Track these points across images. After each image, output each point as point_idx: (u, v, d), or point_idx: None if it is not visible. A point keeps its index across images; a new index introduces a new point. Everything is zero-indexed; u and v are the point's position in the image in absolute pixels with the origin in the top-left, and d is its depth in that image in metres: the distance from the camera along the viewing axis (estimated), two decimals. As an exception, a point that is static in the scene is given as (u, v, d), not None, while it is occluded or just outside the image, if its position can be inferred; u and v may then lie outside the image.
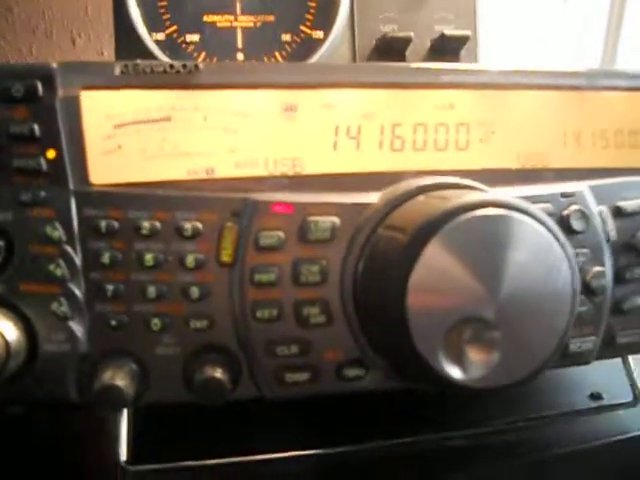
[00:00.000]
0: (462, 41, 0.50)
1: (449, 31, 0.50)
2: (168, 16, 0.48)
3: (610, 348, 0.31)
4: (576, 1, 0.91)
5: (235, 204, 0.27)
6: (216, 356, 0.26)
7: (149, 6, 0.48)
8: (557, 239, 0.23)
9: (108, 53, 0.82)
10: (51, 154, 0.26)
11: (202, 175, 0.28)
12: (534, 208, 0.23)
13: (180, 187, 0.27)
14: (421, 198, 0.25)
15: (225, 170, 0.28)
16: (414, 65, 0.32)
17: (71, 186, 0.26)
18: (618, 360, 0.41)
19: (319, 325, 0.26)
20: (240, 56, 0.50)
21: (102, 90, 0.28)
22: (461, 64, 0.33)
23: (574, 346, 0.30)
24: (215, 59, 0.49)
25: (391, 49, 0.50)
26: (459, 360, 0.22)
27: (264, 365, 0.26)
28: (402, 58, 0.50)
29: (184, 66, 0.28)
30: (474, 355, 0.22)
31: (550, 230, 0.23)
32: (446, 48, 0.50)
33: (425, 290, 0.22)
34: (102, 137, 0.27)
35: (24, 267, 0.26)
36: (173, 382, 0.26)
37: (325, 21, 0.49)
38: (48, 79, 0.27)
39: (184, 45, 0.48)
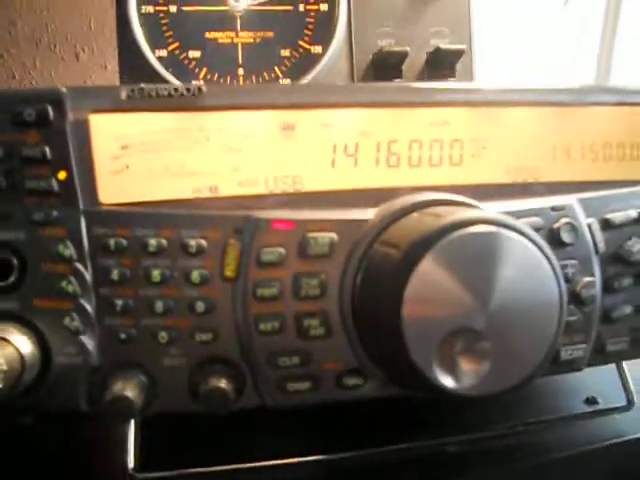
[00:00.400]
0: (457, 55, 0.51)
1: (444, 45, 0.51)
2: (170, 33, 0.50)
3: (600, 355, 0.32)
4: (575, 4, 0.92)
5: (237, 221, 0.28)
6: (221, 367, 0.27)
7: (152, 23, 0.49)
8: (544, 254, 0.24)
9: (111, 66, 0.83)
10: (62, 175, 0.28)
11: (206, 194, 0.29)
12: (522, 225, 0.24)
13: (185, 205, 0.29)
14: (415, 215, 0.27)
15: (228, 189, 0.29)
16: (409, 84, 0.33)
17: (81, 206, 0.28)
18: (613, 365, 0.42)
19: (319, 337, 0.27)
20: (241, 71, 0.51)
21: (110, 113, 0.29)
22: (454, 83, 0.34)
23: (565, 354, 0.31)
24: (216, 74, 0.50)
25: (388, 63, 0.51)
26: (452, 370, 0.23)
27: (267, 375, 0.27)
28: (399, 72, 0.51)
29: (188, 89, 0.29)
30: (466, 365, 0.23)
31: (538, 246, 0.24)
32: (442, 62, 0.52)
33: (419, 303, 0.23)
34: (110, 158, 0.29)
35: (37, 284, 0.27)
36: (179, 392, 0.27)
37: (323, 36, 0.51)
38: (58, 103, 0.28)
39: (186, 61, 0.50)
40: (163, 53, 0.50)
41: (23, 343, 0.26)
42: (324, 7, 0.52)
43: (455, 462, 0.36)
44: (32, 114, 0.27)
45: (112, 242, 0.27)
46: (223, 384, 0.26)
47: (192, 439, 0.35)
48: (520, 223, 0.25)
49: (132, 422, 0.33)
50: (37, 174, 0.27)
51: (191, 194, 0.29)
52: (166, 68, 0.49)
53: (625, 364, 0.42)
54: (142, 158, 0.29)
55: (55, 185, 0.27)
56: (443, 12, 0.53)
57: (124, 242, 0.27)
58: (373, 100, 0.32)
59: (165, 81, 0.48)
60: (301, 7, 0.51)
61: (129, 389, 0.25)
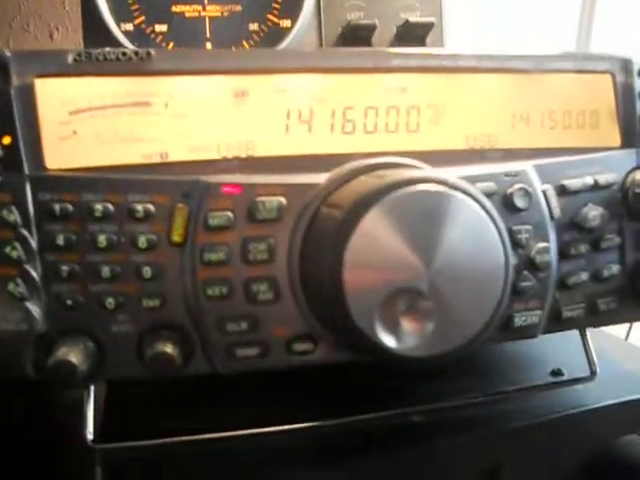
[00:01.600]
0: (427, 28, 0.51)
1: (414, 18, 0.51)
2: (136, 7, 0.49)
3: (556, 322, 0.32)
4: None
5: (185, 186, 0.27)
6: (168, 333, 0.27)
7: None
8: (490, 215, 0.24)
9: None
10: (6, 140, 0.27)
11: (156, 159, 0.29)
12: (468, 185, 0.24)
13: (134, 171, 0.28)
14: (362, 177, 0.26)
15: (179, 154, 0.29)
16: (364, 49, 0.33)
17: (26, 171, 0.27)
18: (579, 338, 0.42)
19: (268, 302, 0.27)
20: (208, 45, 0.50)
21: (56, 77, 0.28)
22: (412, 48, 0.34)
23: (519, 320, 0.31)
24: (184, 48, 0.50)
25: (357, 36, 0.50)
26: (394, 330, 0.23)
27: (215, 341, 0.27)
28: (368, 45, 0.51)
29: (136, 53, 0.29)
30: (408, 325, 0.23)
31: (483, 206, 0.24)
32: (411, 35, 0.51)
33: (360, 264, 0.23)
34: (57, 123, 0.28)
35: (-19, 250, 0.26)
36: (128, 359, 0.27)
37: (292, 10, 0.50)
38: (2, 68, 0.27)
39: (153, 35, 0.49)
40: (129, 27, 0.49)
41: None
42: (293, -20, 0.51)
43: (420, 431, 0.36)
44: (-25, 78, 0.27)
45: (57, 207, 0.27)
46: (169, 349, 0.26)
47: (154, 410, 0.35)
48: (465, 183, 0.24)
49: (91, 392, 0.33)
50: None
51: (141, 160, 0.29)
52: (132, 42, 0.48)
53: (589, 335, 0.42)
54: (90, 123, 0.28)
55: (-2, 151, 0.27)
56: None
57: (70, 207, 0.27)
58: (328, 66, 0.31)
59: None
60: (270, -20, 0.51)
61: (73, 355, 0.25)
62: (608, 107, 0.35)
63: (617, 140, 0.35)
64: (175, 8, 0.50)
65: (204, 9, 0.50)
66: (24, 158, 0.27)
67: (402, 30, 0.51)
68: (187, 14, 0.50)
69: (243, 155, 0.30)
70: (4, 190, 0.27)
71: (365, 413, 0.35)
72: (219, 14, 0.50)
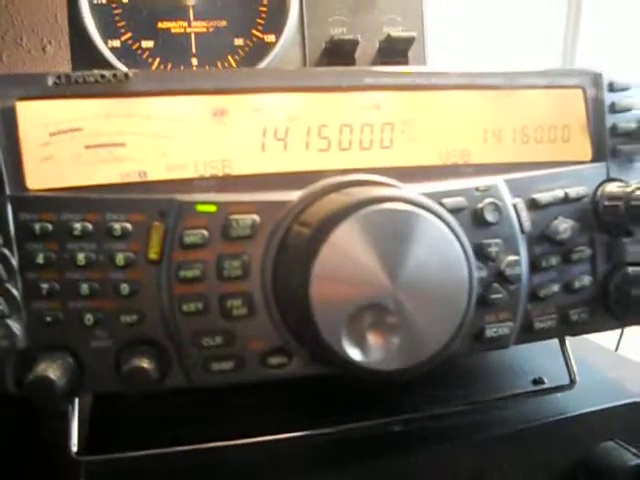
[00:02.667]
0: (409, 42, 0.52)
1: (396, 33, 0.52)
2: (123, 23, 0.50)
3: (528, 333, 0.33)
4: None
5: (162, 204, 0.28)
6: (146, 348, 0.28)
7: (104, 14, 0.49)
8: (454, 233, 0.25)
9: (79, 60, 0.83)
10: (-13, 162, 0.28)
11: (135, 178, 0.30)
12: (430, 202, 0.25)
13: (112, 190, 0.29)
14: (332, 195, 0.27)
15: (157, 173, 0.30)
16: (338, 69, 0.34)
17: (7, 191, 0.28)
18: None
19: (242, 317, 0.28)
20: (195, 61, 0.51)
21: (37, 100, 0.29)
22: (384, 67, 0.35)
23: (490, 331, 0.31)
24: (170, 64, 0.51)
25: (340, 51, 0.52)
26: (360, 344, 0.24)
27: (191, 355, 0.28)
28: (352, 60, 0.52)
29: (114, 75, 0.30)
30: (374, 339, 0.24)
31: (448, 224, 0.25)
32: (394, 49, 0.52)
33: (327, 280, 0.24)
34: (38, 144, 0.29)
35: (-37, 269, 0.27)
36: (105, 373, 0.28)
37: (276, 25, 0.51)
38: None
39: (139, 51, 0.50)
40: (116, 43, 0.50)
41: (-54, 327, 0.26)
42: (277, -4, 0.52)
43: (398, 441, 0.37)
44: (-42, 101, 0.28)
45: (38, 227, 0.28)
46: (145, 364, 0.26)
47: (137, 422, 0.36)
48: (430, 201, 0.25)
49: (75, 405, 0.34)
50: None
51: (119, 179, 0.29)
52: (119, 59, 0.49)
53: (569, 344, 0.43)
54: (70, 144, 0.29)
55: (-19, 172, 0.28)
56: (395, 0, 0.54)
57: (49, 227, 0.28)
58: (304, 85, 0.32)
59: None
60: (254, -4, 0.52)
61: (52, 370, 0.26)
62: (579, 121, 0.36)
63: (588, 154, 0.36)
64: (161, 24, 0.51)
65: (189, 25, 0.51)
66: (5, 179, 0.28)
67: (385, 44, 0.52)
68: (173, 30, 0.51)
69: (220, 174, 0.30)
70: (-15, 210, 0.28)
71: (349, 422, 0.36)
72: (204, 30, 0.51)
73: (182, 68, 0.50)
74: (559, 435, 0.41)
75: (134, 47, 0.50)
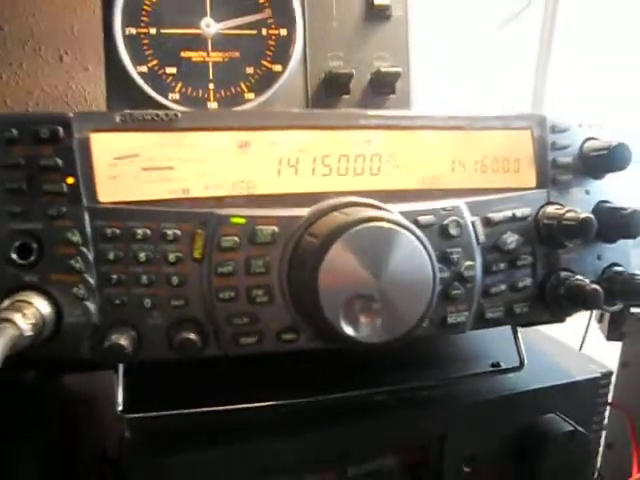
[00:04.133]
0: (396, 76, 0.60)
1: (385, 68, 0.60)
2: (150, 52, 0.57)
3: (481, 321, 0.42)
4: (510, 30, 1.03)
5: (203, 217, 0.37)
6: (190, 325, 0.36)
7: (134, 43, 0.57)
8: (423, 244, 0.34)
9: (92, 68, 0.90)
10: (70, 180, 0.36)
11: (180, 195, 0.38)
12: (405, 221, 0.34)
13: (164, 204, 0.37)
14: (334, 213, 0.36)
15: (197, 191, 0.38)
16: (338, 111, 0.43)
17: (85, 204, 0.36)
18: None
19: (263, 303, 0.37)
20: (211, 86, 0.59)
21: (106, 132, 0.37)
22: (374, 110, 0.43)
23: (451, 319, 0.41)
24: (190, 88, 0.59)
25: (337, 82, 0.59)
26: (354, 323, 0.33)
27: (224, 331, 0.37)
28: (347, 89, 0.60)
29: (166, 115, 0.38)
30: (364, 320, 0.33)
31: (418, 238, 0.34)
32: (383, 81, 0.61)
33: (330, 276, 0.33)
34: (106, 167, 0.37)
35: (52, 263, 0.35)
36: (159, 344, 0.36)
37: (283, 57, 0.59)
38: (67, 125, 0.36)
39: (164, 77, 0.57)
40: (144, 69, 0.57)
41: (43, 307, 0.34)
42: (283, 32, 0.60)
43: (381, 408, 0.46)
44: (46, 133, 0.36)
45: (109, 231, 0.36)
46: (192, 336, 0.35)
47: (173, 386, 0.42)
48: (405, 220, 0.34)
49: (120, 371, 0.41)
50: (51, 179, 0.36)
51: (168, 195, 0.38)
52: (146, 82, 0.56)
53: (520, 333, 0.52)
54: (131, 167, 0.38)
55: (65, 188, 0.36)
56: (385, 39, 0.62)
57: (117, 231, 0.36)
58: (311, 124, 0.41)
59: (145, 94, 0.56)
60: (264, 32, 0.60)
61: (122, 339, 0.35)
62: (527, 156, 0.45)
63: (533, 182, 0.45)
64: (183, 54, 0.58)
65: (208, 55, 0.59)
66: (83, 194, 0.36)
67: (375, 77, 0.60)
68: (193, 59, 0.58)
69: (245, 193, 0.39)
70: (69, 217, 0.36)
71: (338, 392, 0.44)
72: (220, 59, 0.59)
73: (201, 92, 0.59)
74: (509, 408, 0.49)
75: (159, 72, 0.57)
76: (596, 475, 0.63)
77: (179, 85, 0.58)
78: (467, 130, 0.44)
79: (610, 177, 0.46)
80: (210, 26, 0.58)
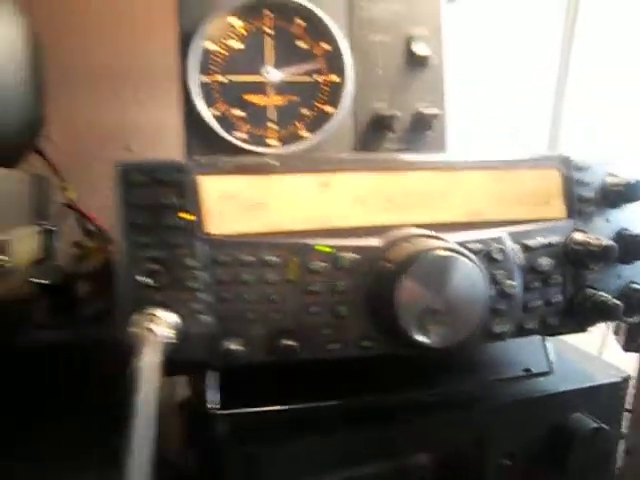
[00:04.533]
0: (434, 117, 0.68)
1: (424, 109, 0.69)
2: (219, 96, 0.66)
3: (520, 331, 0.50)
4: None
5: (296, 247, 0.45)
6: (286, 334, 0.45)
7: (207, 90, 0.65)
8: (478, 267, 0.42)
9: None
10: (187, 215, 0.45)
11: (274, 229, 0.46)
12: (463, 249, 0.43)
13: (263, 237, 0.45)
14: (404, 244, 0.45)
15: (288, 224, 0.47)
16: (401, 156, 0.51)
17: (199, 235, 0.45)
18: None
19: (345, 316, 0.45)
20: (273, 125, 0.67)
21: (212, 175, 0.46)
22: (431, 154, 0.52)
23: (496, 328, 0.49)
24: (255, 128, 0.67)
25: (383, 122, 0.67)
26: (425, 332, 0.41)
27: (314, 340, 0.45)
28: (391, 129, 0.68)
29: (261, 162, 0.47)
30: (432, 329, 0.42)
31: (473, 262, 0.42)
32: (422, 121, 0.68)
33: (405, 294, 0.41)
34: (215, 203, 0.45)
35: (175, 283, 0.44)
36: (262, 349, 0.44)
37: (334, 99, 0.66)
38: (182, 170, 0.44)
39: (233, 119, 0.65)
40: (216, 112, 0.65)
41: (169, 318, 0.43)
42: (335, 78, 0.68)
43: (429, 408, 0.53)
44: (166, 177, 0.44)
45: (219, 258, 0.44)
46: (291, 343, 0.44)
47: (259, 384, 0.47)
48: (463, 248, 0.43)
49: (209, 373, 0.47)
50: (170, 215, 0.44)
51: (265, 228, 0.46)
52: (218, 123, 0.65)
53: (548, 342, 0.59)
54: (234, 204, 0.46)
55: (181, 222, 0.44)
56: (424, 84, 0.69)
57: (227, 258, 0.44)
58: (379, 166, 0.49)
59: (217, 134, 0.65)
60: (318, 78, 0.68)
61: (234, 345, 0.43)
62: (557, 191, 0.53)
63: (563, 213, 0.52)
64: (247, 98, 0.67)
65: (269, 99, 0.67)
66: (196, 227, 0.45)
67: (415, 118, 0.68)
68: (256, 102, 0.67)
69: (326, 226, 0.47)
70: (186, 247, 0.44)
71: (393, 394, 0.52)
72: (280, 102, 0.66)
73: (263, 131, 0.67)
74: (541, 408, 0.54)
75: (227, 114, 0.66)
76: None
77: (247, 126, 0.65)
78: (505, 170, 0.52)
79: (628, 207, 0.54)
80: (270, 73, 0.66)
